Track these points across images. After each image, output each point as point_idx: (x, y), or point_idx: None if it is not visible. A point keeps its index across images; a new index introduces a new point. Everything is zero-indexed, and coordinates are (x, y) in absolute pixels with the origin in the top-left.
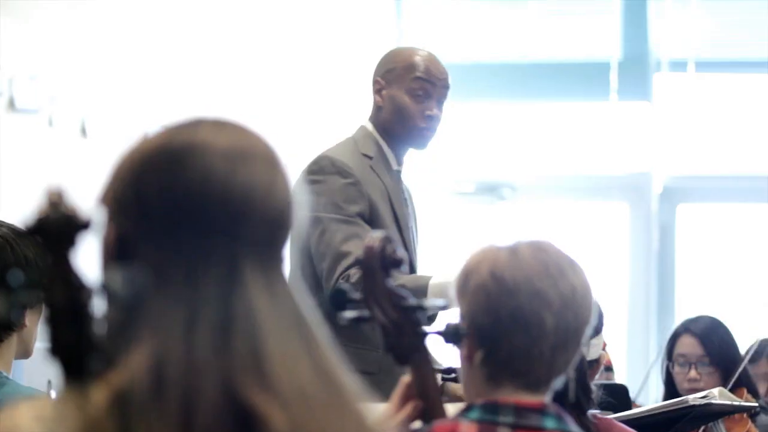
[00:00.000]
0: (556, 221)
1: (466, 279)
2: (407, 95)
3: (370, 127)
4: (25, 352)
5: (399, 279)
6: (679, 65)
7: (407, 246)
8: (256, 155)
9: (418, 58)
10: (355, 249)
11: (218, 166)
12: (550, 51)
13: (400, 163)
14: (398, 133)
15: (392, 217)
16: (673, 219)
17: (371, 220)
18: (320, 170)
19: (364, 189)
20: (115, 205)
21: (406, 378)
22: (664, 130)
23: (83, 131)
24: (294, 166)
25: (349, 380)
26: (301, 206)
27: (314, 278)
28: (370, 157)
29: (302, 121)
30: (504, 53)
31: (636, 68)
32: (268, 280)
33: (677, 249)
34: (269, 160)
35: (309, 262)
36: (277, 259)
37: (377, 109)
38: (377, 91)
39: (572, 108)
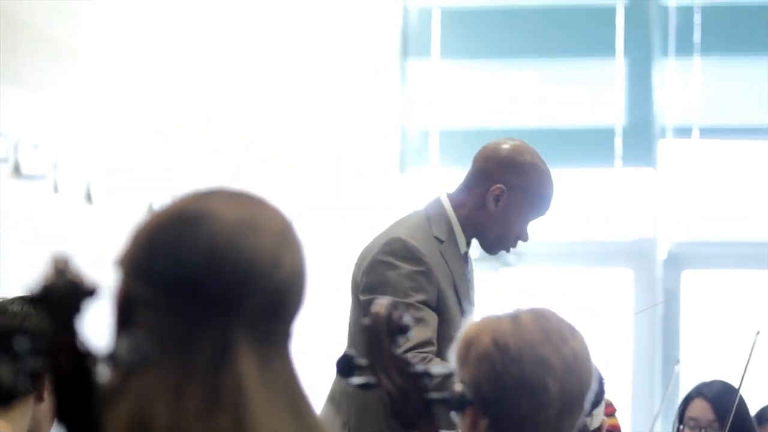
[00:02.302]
0: (561, 288)
1: (467, 348)
2: (522, 222)
3: (448, 207)
4: (36, 429)
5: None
6: (683, 131)
7: None
8: (265, 228)
9: (551, 193)
10: (419, 334)
11: (223, 237)
12: (554, 118)
13: (468, 245)
14: (484, 238)
15: (456, 304)
16: (677, 285)
17: (438, 306)
18: (392, 252)
19: (434, 276)
20: (128, 267)
21: None
22: (669, 197)
23: (88, 197)
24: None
25: None
26: (364, 291)
27: None
28: (441, 241)
29: (307, 189)
30: (508, 120)
31: (640, 135)
32: (263, 355)
33: (682, 315)
34: (278, 234)
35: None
36: (277, 334)
37: (480, 208)
38: (495, 197)
39: (577, 174)
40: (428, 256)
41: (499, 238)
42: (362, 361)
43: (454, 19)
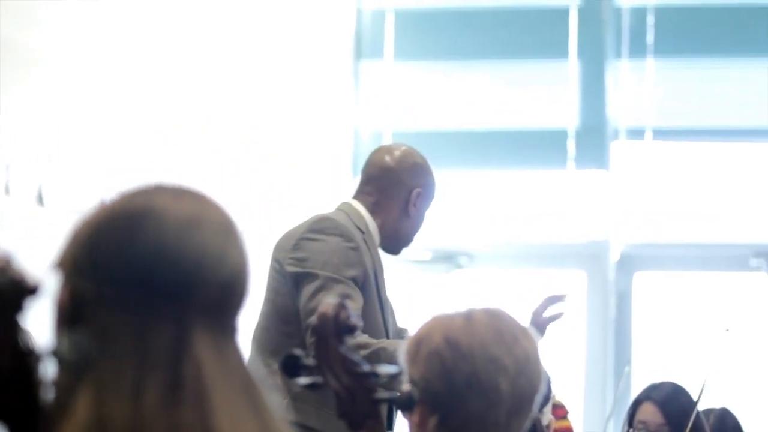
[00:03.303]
0: (514, 289)
1: (417, 346)
2: (423, 218)
3: (362, 209)
4: None
5: (383, 342)
6: (636, 133)
7: (386, 322)
8: (210, 223)
9: (437, 185)
10: None
11: (171, 233)
12: (507, 119)
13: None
14: (403, 241)
15: (376, 292)
16: (629, 287)
17: (362, 288)
18: (321, 230)
19: (362, 256)
20: (72, 268)
21: None
22: (622, 198)
23: (40, 199)
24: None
25: None
26: (293, 263)
27: (282, 336)
28: (363, 231)
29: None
30: (460, 121)
31: (593, 136)
32: (218, 344)
33: (634, 317)
34: (223, 229)
35: (280, 320)
36: (228, 325)
37: (402, 214)
38: (412, 202)
39: (529, 176)
40: (357, 237)
41: (409, 239)
42: (309, 361)
43: (407, 20)
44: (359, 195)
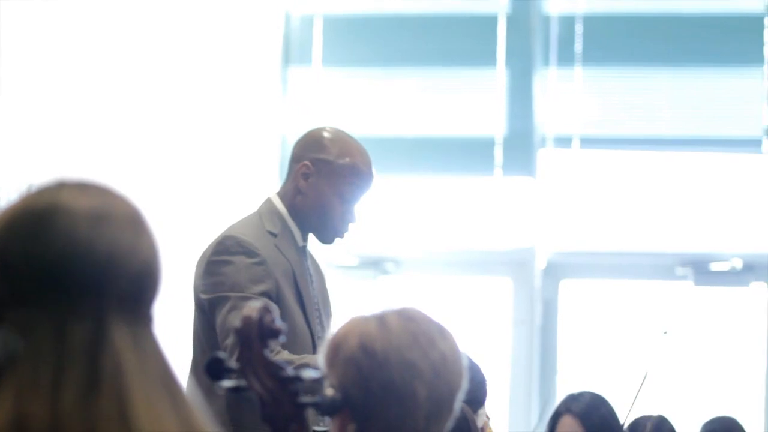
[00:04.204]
0: (440, 296)
1: (335, 351)
2: (336, 197)
3: (277, 202)
4: None
5: (304, 358)
6: (563, 141)
7: (310, 324)
8: (119, 216)
9: (360, 164)
10: None
11: (81, 228)
12: (435, 126)
13: (305, 239)
14: (312, 224)
15: (296, 296)
16: (555, 294)
17: (277, 299)
18: (225, 250)
19: (270, 269)
20: None
21: None
22: (548, 206)
23: None
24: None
25: None
26: (204, 290)
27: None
28: (275, 235)
29: (191, 193)
30: (387, 128)
31: (520, 144)
32: (136, 337)
33: (559, 324)
34: (132, 221)
35: (209, 344)
36: (145, 316)
37: (295, 190)
38: (303, 174)
39: (456, 183)
40: (262, 249)
41: (322, 220)
42: (233, 365)
43: (336, 26)
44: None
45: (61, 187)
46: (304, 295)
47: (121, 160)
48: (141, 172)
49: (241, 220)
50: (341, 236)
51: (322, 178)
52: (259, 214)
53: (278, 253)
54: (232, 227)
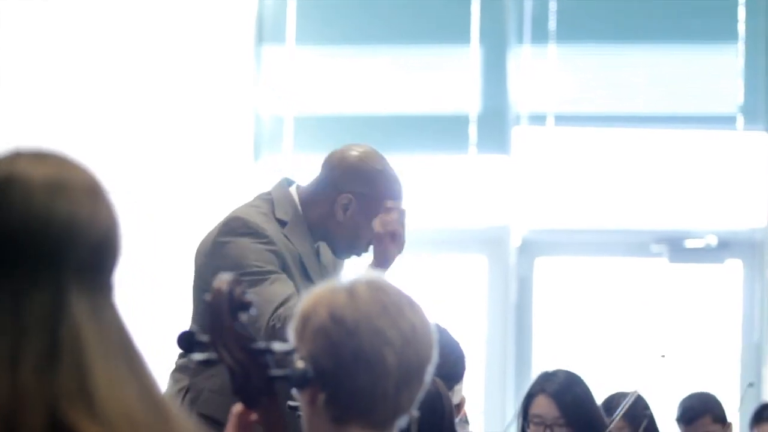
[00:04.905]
0: (414, 274)
1: (304, 322)
2: (369, 227)
3: (295, 197)
4: None
5: None
6: (537, 119)
7: None
8: (76, 185)
9: (395, 191)
10: (285, 289)
11: (38, 198)
12: (408, 104)
13: (316, 244)
14: (334, 244)
15: (304, 278)
16: (531, 272)
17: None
18: (230, 231)
19: (278, 251)
20: None
21: (238, 407)
22: (523, 184)
23: None
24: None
25: (176, 406)
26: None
27: None
28: (285, 223)
29: (159, 178)
30: (362, 106)
31: (495, 122)
32: (95, 305)
33: (535, 302)
34: (89, 190)
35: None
36: (104, 285)
37: (330, 215)
38: (343, 206)
39: (430, 161)
40: (270, 232)
41: (350, 245)
42: (204, 337)
43: (309, 5)
44: (306, 182)
45: (17, 157)
46: (314, 276)
47: (92, 139)
48: (113, 151)
49: (251, 204)
50: (359, 255)
51: (361, 212)
52: (270, 200)
53: (286, 240)
54: (239, 209)
